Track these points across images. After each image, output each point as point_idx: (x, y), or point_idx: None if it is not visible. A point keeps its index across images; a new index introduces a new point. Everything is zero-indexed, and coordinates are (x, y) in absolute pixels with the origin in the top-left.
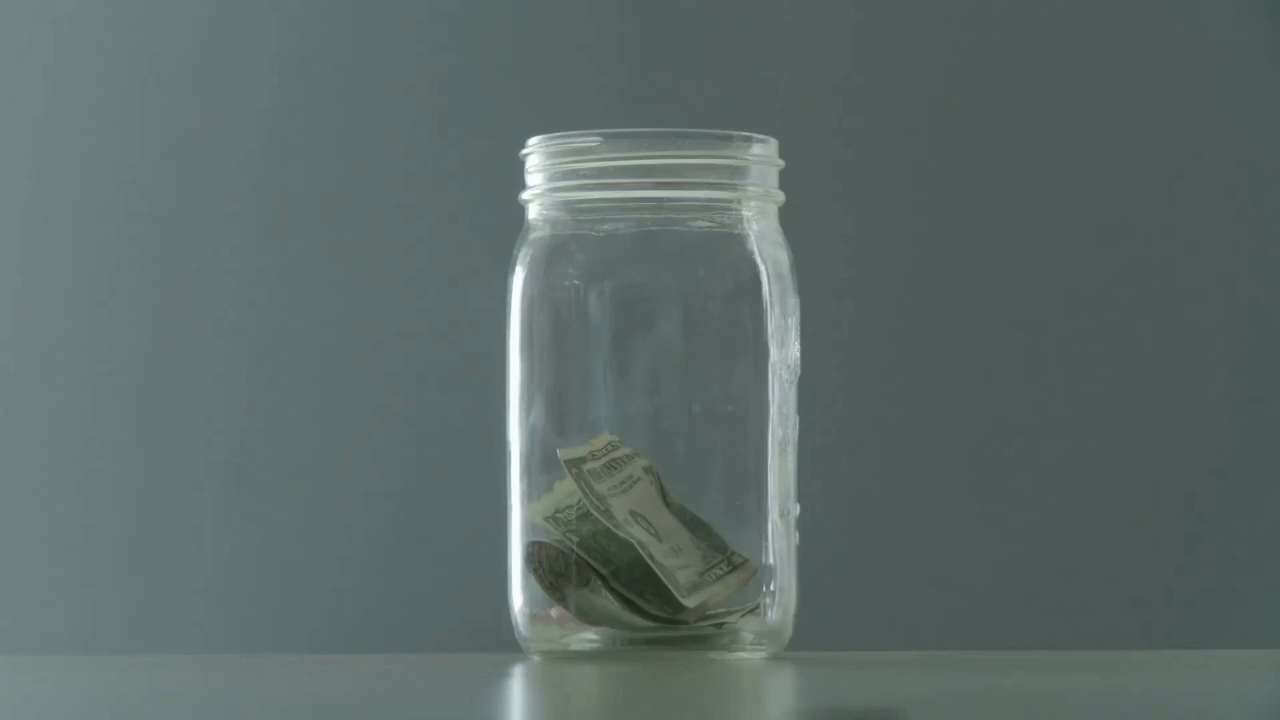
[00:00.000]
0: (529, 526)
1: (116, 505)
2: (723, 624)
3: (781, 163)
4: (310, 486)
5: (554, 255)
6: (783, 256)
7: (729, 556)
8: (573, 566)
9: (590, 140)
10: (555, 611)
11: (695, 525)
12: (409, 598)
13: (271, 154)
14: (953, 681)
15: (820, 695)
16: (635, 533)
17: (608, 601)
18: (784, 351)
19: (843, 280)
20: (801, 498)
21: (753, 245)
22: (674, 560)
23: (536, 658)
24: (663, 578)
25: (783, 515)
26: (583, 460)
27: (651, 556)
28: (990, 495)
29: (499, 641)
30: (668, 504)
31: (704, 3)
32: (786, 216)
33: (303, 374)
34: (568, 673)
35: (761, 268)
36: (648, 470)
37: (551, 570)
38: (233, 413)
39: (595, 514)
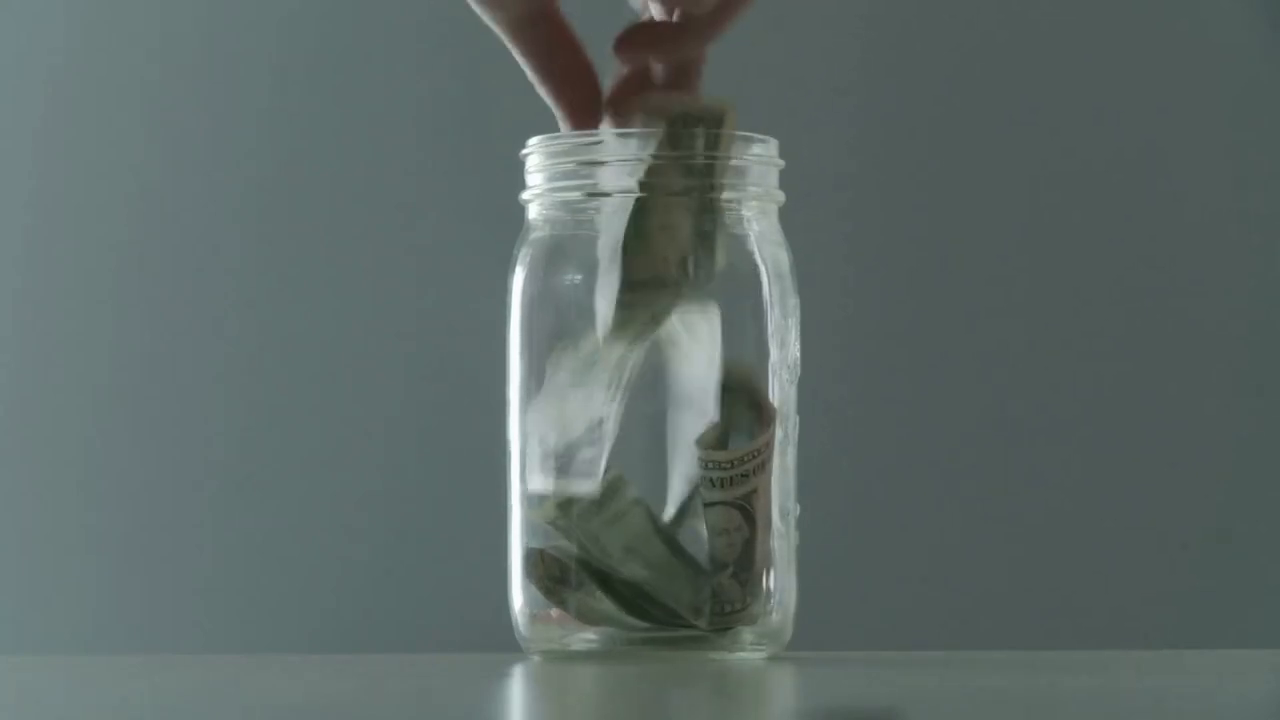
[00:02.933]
0: (529, 527)
1: (116, 505)
2: (724, 626)
3: (781, 163)
4: (310, 486)
5: (554, 255)
6: (783, 256)
7: (721, 581)
8: (571, 572)
9: (590, 140)
10: (555, 611)
11: (683, 553)
12: (409, 598)
13: (272, 154)
14: (953, 681)
15: (820, 695)
16: (634, 570)
17: (607, 605)
18: (784, 351)
19: (843, 280)
20: (801, 498)
21: (753, 245)
22: (671, 587)
23: (536, 658)
24: (673, 606)
25: (783, 515)
26: (573, 502)
27: (655, 594)
28: (990, 495)
29: (499, 641)
30: (658, 532)
31: None
32: (786, 216)
33: (303, 374)
34: (568, 673)
35: (761, 268)
36: (636, 502)
37: (549, 576)
38: (233, 413)
39: (591, 556)
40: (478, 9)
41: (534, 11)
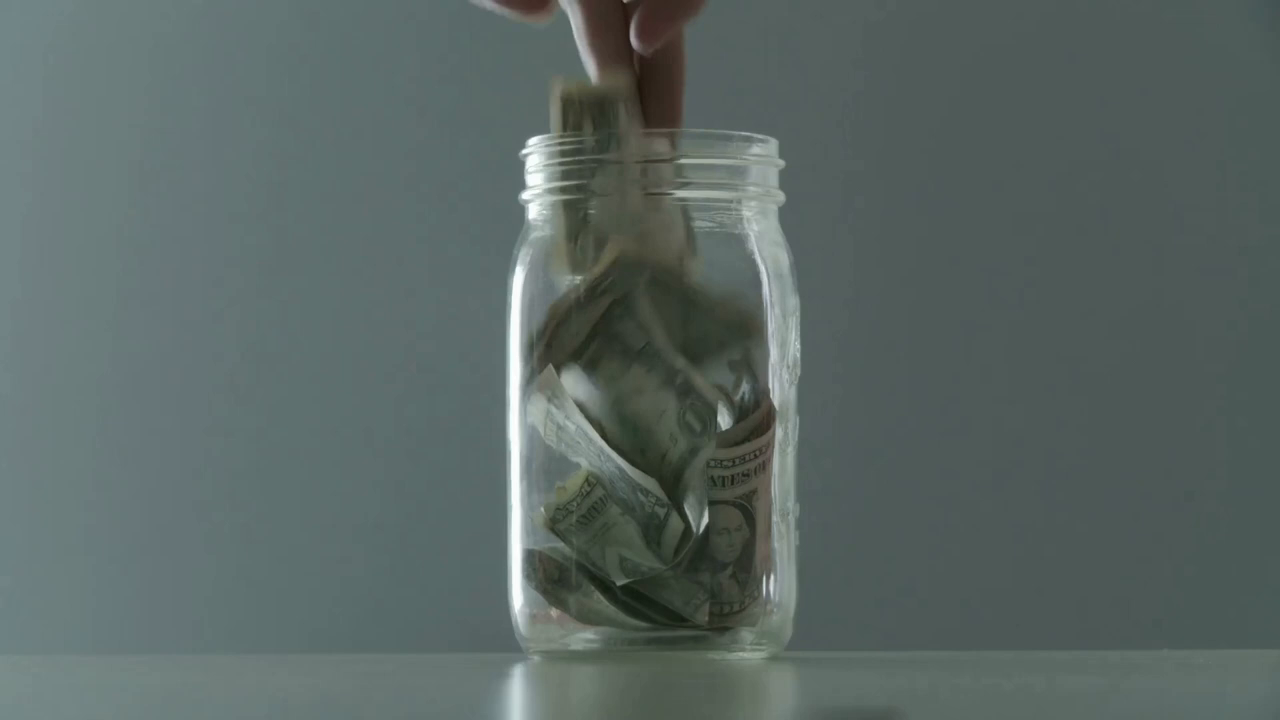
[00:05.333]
0: (528, 528)
1: (117, 505)
2: (724, 626)
3: (781, 163)
4: (310, 487)
5: None
6: (783, 256)
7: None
8: (570, 574)
9: (590, 140)
10: (555, 611)
11: (676, 561)
12: (409, 598)
13: (272, 154)
14: (953, 681)
15: (820, 695)
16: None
17: (606, 605)
18: (784, 352)
19: (843, 280)
20: (801, 498)
21: (753, 245)
22: (668, 592)
23: (536, 658)
24: (672, 607)
25: (783, 515)
26: (560, 517)
27: (653, 596)
28: (990, 495)
29: (499, 641)
30: (649, 543)
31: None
32: (786, 216)
33: (303, 374)
34: (568, 673)
35: (761, 268)
36: (624, 513)
37: (548, 578)
38: (233, 413)
39: (588, 560)
40: None
41: None
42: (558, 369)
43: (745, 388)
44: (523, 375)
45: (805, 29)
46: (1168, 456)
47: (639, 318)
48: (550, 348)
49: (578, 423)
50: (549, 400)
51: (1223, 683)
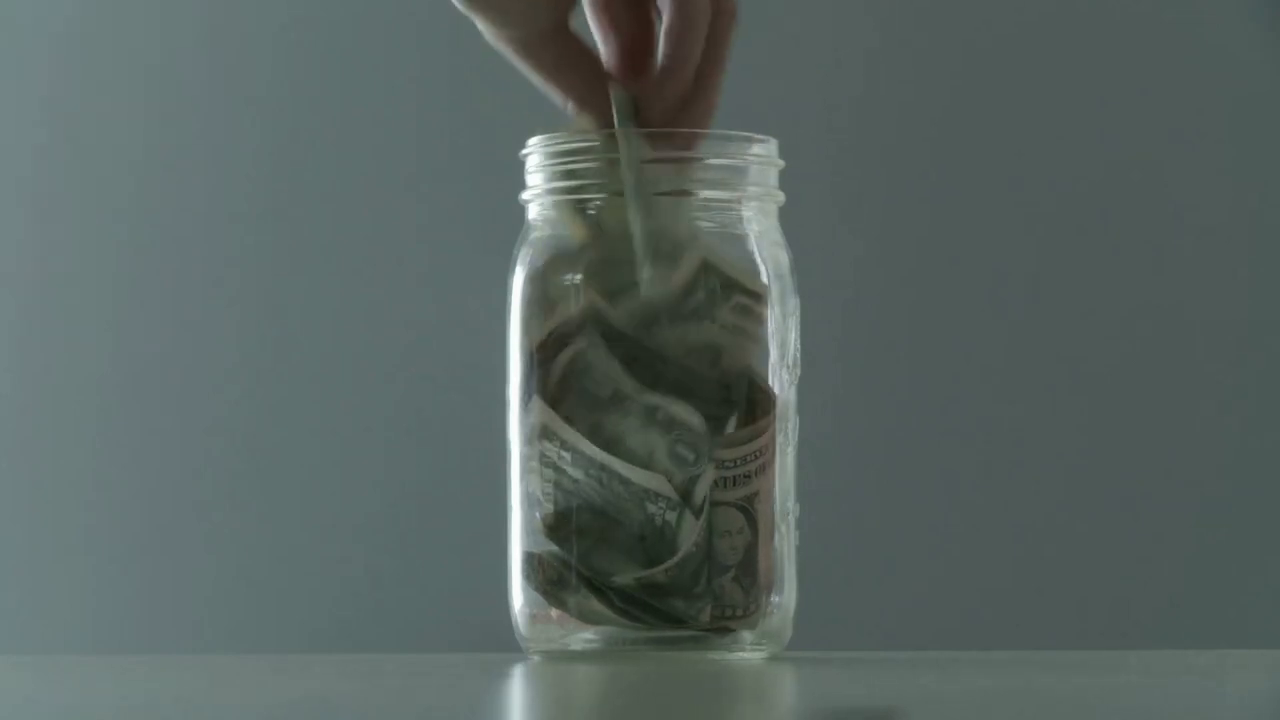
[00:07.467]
0: (528, 529)
1: (117, 506)
2: (725, 627)
3: (781, 163)
4: (311, 487)
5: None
6: (783, 256)
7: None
8: (570, 576)
9: (590, 140)
10: (555, 611)
11: (674, 572)
12: (409, 598)
13: (272, 155)
14: (953, 681)
15: (820, 695)
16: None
17: (606, 608)
18: (784, 352)
19: (843, 280)
20: (801, 498)
21: (753, 245)
22: (666, 602)
23: (536, 658)
24: (671, 613)
25: (783, 515)
26: (559, 524)
27: (651, 601)
28: (990, 495)
29: (499, 641)
30: (649, 547)
31: None
32: (786, 216)
33: (304, 374)
34: (568, 673)
35: (761, 268)
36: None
37: (548, 579)
38: (234, 413)
39: (587, 566)
40: (484, 29)
41: (545, 30)
42: (547, 401)
43: (745, 390)
44: (523, 374)
45: (806, 29)
46: (1168, 456)
47: (599, 367)
48: (537, 375)
49: (574, 448)
50: (543, 440)
51: (1223, 683)
